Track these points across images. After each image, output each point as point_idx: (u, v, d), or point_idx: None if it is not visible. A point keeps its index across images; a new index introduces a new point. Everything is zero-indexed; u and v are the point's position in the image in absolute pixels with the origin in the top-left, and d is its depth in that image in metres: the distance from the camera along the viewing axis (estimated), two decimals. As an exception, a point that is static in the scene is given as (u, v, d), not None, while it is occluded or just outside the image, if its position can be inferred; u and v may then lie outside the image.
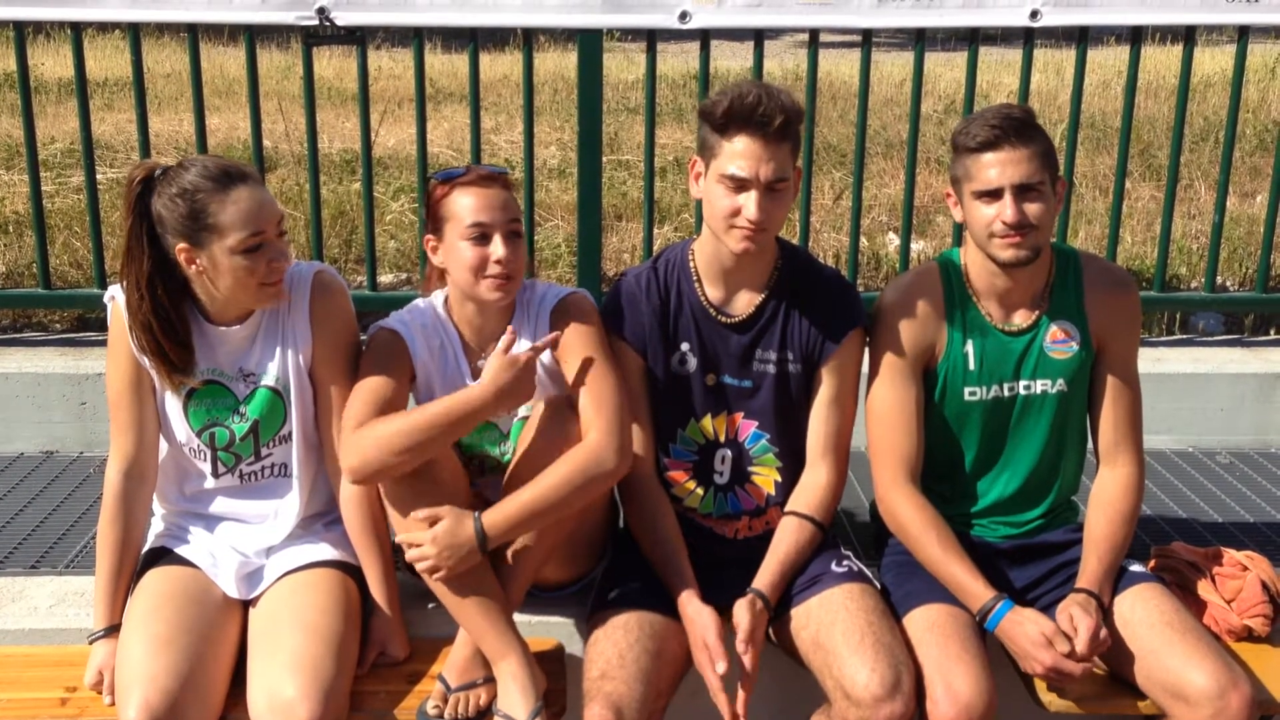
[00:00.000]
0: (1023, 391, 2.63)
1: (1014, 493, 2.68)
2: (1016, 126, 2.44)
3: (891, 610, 2.56)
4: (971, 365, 2.62)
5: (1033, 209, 2.45)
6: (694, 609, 2.47)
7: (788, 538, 2.60)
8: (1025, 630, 2.42)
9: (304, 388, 2.61)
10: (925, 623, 2.49)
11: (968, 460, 2.69)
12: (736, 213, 2.44)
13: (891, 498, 2.62)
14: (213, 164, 2.45)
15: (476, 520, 2.39)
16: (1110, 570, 2.56)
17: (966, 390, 2.63)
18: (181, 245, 2.43)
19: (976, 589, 2.49)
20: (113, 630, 2.53)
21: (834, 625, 2.45)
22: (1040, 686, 2.52)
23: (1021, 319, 2.62)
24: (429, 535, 2.40)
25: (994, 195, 2.46)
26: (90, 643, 2.55)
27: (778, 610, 2.55)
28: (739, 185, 2.43)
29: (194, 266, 2.45)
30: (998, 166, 2.44)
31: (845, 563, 2.63)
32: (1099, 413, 2.66)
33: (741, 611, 2.46)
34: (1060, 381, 2.62)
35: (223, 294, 2.49)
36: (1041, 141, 2.48)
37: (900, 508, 2.60)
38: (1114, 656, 2.49)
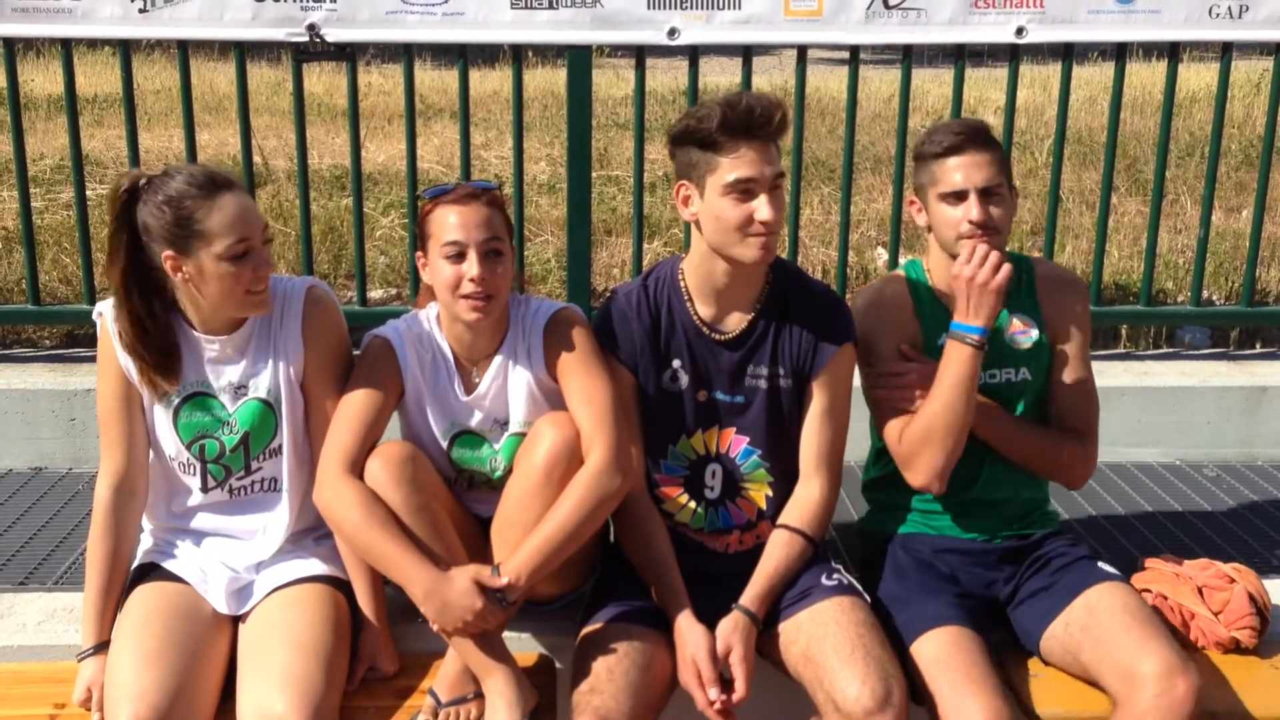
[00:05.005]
0: (988, 380, 2.70)
1: (991, 485, 2.73)
2: (975, 134, 2.62)
3: (893, 637, 2.54)
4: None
5: (995, 211, 2.60)
6: (685, 625, 2.48)
7: (777, 552, 2.60)
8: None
9: (295, 401, 2.61)
10: (934, 652, 2.49)
11: None
12: (750, 219, 2.44)
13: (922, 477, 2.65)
14: (199, 171, 2.46)
15: (494, 574, 2.37)
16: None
17: None
18: (168, 253, 2.43)
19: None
20: (102, 647, 2.51)
21: (824, 638, 2.46)
22: (1035, 699, 2.53)
23: None
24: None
25: (959, 197, 2.60)
26: (79, 660, 2.54)
27: (767, 624, 2.55)
28: (747, 191, 2.44)
29: (180, 274, 2.45)
30: (963, 170, 2.59)
31: (835, 575, 2.63)
32: (1058, 408, 2.76)
33: (728, 632, 2.46)
34: (1024, 370, 2.73)
35: (209, 302, 2.49)
36: (998, 150, 2.66)
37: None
38: (1080, 648, 2.52)
